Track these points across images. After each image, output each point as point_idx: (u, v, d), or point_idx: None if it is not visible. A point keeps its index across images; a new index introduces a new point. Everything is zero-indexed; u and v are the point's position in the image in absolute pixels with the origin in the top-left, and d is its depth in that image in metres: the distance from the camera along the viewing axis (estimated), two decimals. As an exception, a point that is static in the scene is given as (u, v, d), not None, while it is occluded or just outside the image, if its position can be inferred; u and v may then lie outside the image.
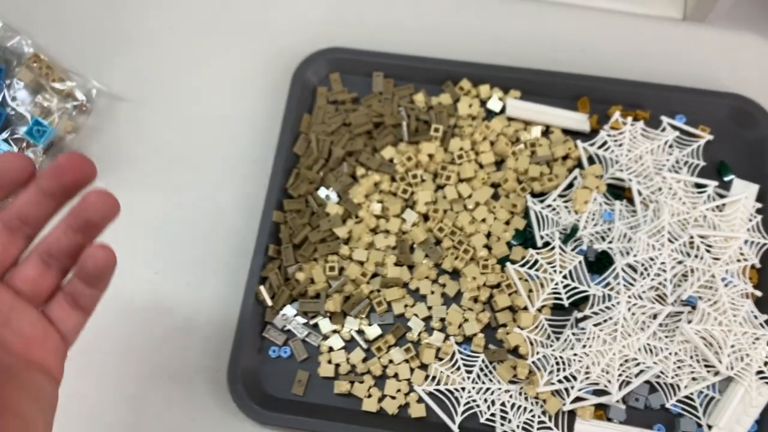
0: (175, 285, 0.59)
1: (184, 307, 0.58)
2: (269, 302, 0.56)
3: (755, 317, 0.54)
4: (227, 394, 0.54)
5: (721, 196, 0.58)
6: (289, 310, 0.56)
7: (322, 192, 0.59)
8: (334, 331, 0.55)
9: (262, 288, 0.55)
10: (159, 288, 0.58)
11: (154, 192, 0.62)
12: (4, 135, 0.59)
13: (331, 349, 0.55)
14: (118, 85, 0.65)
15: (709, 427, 0.52)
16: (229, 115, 0.64)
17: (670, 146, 0.59)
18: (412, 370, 0.54)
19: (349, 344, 0.55)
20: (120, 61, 0.66)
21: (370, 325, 0.55)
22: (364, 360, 0.54)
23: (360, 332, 0.55)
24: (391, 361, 0.54)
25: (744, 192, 0.57)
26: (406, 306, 0.56)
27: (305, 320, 0.56)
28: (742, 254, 0.55)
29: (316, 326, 0.56)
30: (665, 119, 0.60)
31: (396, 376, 0.54)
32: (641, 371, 0.53)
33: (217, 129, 0.64)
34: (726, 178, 0.59)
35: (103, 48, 0.66)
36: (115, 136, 0.64)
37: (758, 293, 0.55)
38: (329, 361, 0.54)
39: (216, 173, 0.62)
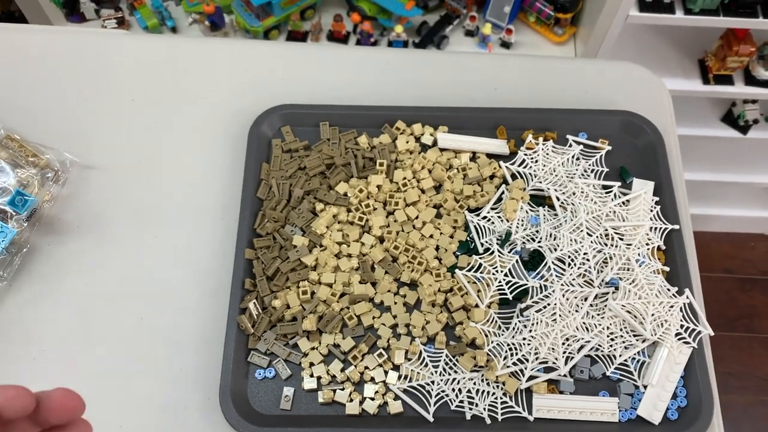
0: (162, 326, 0.64)
1: (172, 345, 0.63)
2: (251, 330, 0.62)
3: (667, 289, 0.64)
4: (221, 418, 0.58)
5: (625, 194, 0.69)
6: (270, 335, 0.62)
7: (287, 228, 0.66)
8: (313, 348, 0.62)
9: (243, 317, 0.61)
10: (146, 332, 0.63)
11: (133, 249, 0.67)
12: (-12, 208, 0.64)
13: (311, 364, 0.61)
14: (89, 156, 0.71)
15: (645, 386, 0.61)
16: (195, 171, 0.71)
17: (577, 158, 0.70)
18: (386, 372, 0.61)
19: (328, 357, 0.62)
20: (89, 133, 0.72)
21: (344, 338, 0.62)
22: (343, 369, 0.61)
23: (336, 345, 0.62)
24: (366, 367, 0.61)
25: (643, 188, 0.69)
26: (374, 317, 0.63)
27: (285, 341, 0.62)
28: (648, 239, 0.66)
29: (296, 346, 0.62)
30: (570, 137, 0.72)
31: (373, 379, 0.61)
32: (581, 346, 0.61)
33: (185, 185, 0.71)
34: (627, 180, 0.70)
35: (73, 123, 0.73)
36: (88, 201, 0.69)
37: (666, 269, 0.65)
38: (311, 375, 0.60)
39: (188, 224, 0.68)
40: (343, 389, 0.60)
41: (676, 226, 0.67)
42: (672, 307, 0.63)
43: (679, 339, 0.62)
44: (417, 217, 0.67)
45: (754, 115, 1.38)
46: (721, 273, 1.83)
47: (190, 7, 1.20)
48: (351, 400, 0.60)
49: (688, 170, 1.53)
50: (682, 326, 0.63)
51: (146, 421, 0.60)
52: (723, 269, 1.84)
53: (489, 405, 0.60)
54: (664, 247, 0.66)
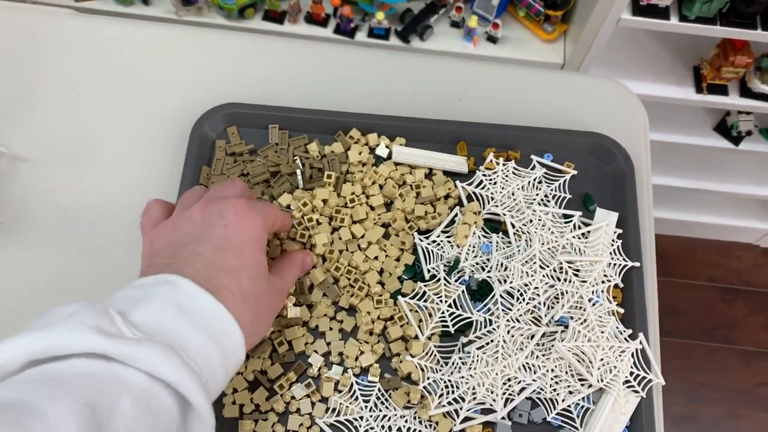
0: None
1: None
2: (173, 349, 0.58)
3: (621, 332, 0.60)
4: (134, 442, 0.55)
5: (586, 224, 0.64)
6: (193, 355, 0.58)
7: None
8: (238, 373, 0.58)
9: (165, 335, 0.58)
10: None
11: (61, 249, 0.63)
12: None
13: (235, 390, 0.57)
14: (19, 146, 0.66)
15: (586, 435, 0.57)
16: (131, 171, 0.67)
17: (539, 182, 0.66)
18: (313, 404, 0.57)
19: (253, 384, 0.58)
20: (20, 122, 0.68)
21: (272, 364, 0.58)
22: (268, 398, 0.57)
23: (263, 372, 0.58)
24: (293, 397, 0.57)
25: (605, 219, 0.64)
26: (306, 343, 0.59)
27: (209, 364, 0.58)
28: (606, 276, 0.62)
29: (219, 369, 0.58)
30: (534, 158, 0.67)
31: (298, 410, 0.57)
32: (522, 388, 0.58)
33: (119, 185, 0.66)
34: (590, 208, 0.66)
35: (3, 110, 0.68)
36: (16, 196, 0.65)
37: (621, 310, 0.61)
38: (233, 402, 0.57)
39: (119, 228, 0.64)
40: (266, 419, 0.57)
41: (637, 264, 0.63)
42: (623, 352, 0.59)
43: (627, 386, 0.59)
44: (363, 236, 0.63)
45: (748, 126, 1.33)
46: (705, 281, 1.80)
47: (162, -20, 1.14)
48: (273, 432, 0.56)
49: (676, 177, 1.49)
50: (631, 373, 0.59)
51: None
52: (707, 278, 1.80)
53: (419, 445, 0.56)
54: (621, 285, 0.62)
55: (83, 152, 0.68)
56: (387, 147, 0.67)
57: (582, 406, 0.58)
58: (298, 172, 0.65)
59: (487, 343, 0.58)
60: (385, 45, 1.16)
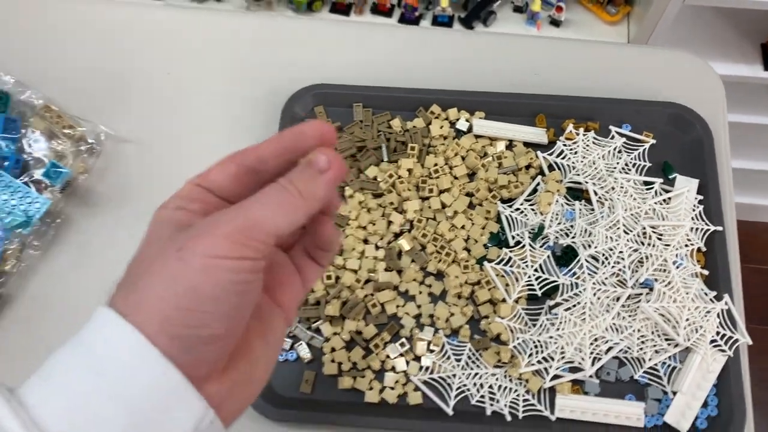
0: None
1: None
2: (274, 312, 0.61)
3: (705, 294, 0.61)
4: (241, 397, 0.59)
5: (667, 191, 0.66)
6: (293, 318, 0.61)
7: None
8: (335, 334, 0.61)
9: (267, 299, 0.61)
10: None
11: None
12: (24, 178, 0.65)
13: (333, 350, 0.61)
14: (123, 129, 0.71)
15: (674, 393, 0.59)
16: (226, 149, 0.71)
17: (619, 151, 0.67)
18: (407, 362, 0.60)
19: (350, 344, 0.61)
20: (124, 107, 0.73)
21: (366, 325, 0.61)
22: (364, 357, 0.60)
23: (358, 332, 0.61)
24: (388, 356, 0.60)
25: (686, 186, 0.65)
26: (397, 306, 0.62)
27: (308, 325, 0.62)
28: (689, 240, 0.63)
29: (318, 330, 0.62)
30: (613, 128, 0.69)
31: (393, 369, 0.60)
32: (610, 348, 0.60)
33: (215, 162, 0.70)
34: (670, 176, 0.67)
35: (108, 96, 0.73)
36: (121, 174, 0.70)
37: (705, 272, 0.62)
38: (332, 361, 0.60)
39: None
40: (363, 377, 0.60)
41: (719, 228, 0.64)
42: (709, 312, 0.60)
43: (714, 346, 0.60)
44: (450, 206, 0.65)
45: (817, 104, 1.31)
46: (773, 266, 1.76)
47: (234, -24, 1.18)
48: (371, 388, 0.59)
49: (740, 158, 1.46)
50: (717, 333, 0.60)
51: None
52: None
53: (510, 402, 0.59)
54: (704, 249, 0.64)
55: (180, 132, 0.72)
56: (467, 121, 0.69)
57: (669, 365, 0.60)
58: (383, 145, 0.68)
59: (575, 305, 0.60)
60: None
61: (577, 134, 0.68)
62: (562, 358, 0.59)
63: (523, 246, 0.63)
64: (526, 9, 1.17)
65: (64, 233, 0.67)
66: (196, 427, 0.30)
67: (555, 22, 1.16)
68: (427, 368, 0.60)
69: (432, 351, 0.61)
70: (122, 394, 0.29)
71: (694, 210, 0.64)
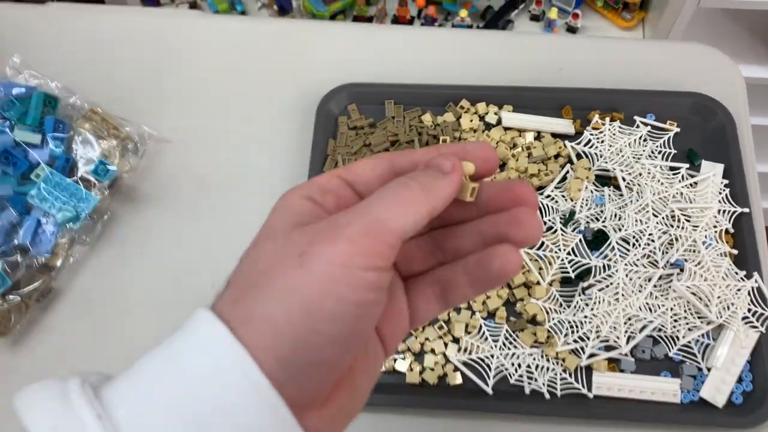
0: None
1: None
2: (315, 298, 0.64)
3: (735, 273, 0.63)
4: (286, 381, 0.61)
5: (693, 176, 0.67)
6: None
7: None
8: (375, 318, 0.63)
9: (308, 286, 0.63)
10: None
11: (203, 220, 0.70)
12: (74, 177, 0.68)
13: (373, 334, 0.63)
14: (164, 130, 0.74)
15: (708, 369, 0.60)
16: (265, 147, 0.74)
17: (645, 140, 0.70)
18: (446, 344, 0.62)
19: (389, 328, 0.63)
20: (165, 110, 0.76)
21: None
22: (403, 340, 0.62)
23: (397, 317, 0.63)
24: (427, 339, 0.62)
25: (712, 170, 0.67)
26: (434, 291, 0.64)
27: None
28: (716, 221, 0.65)
29: (358, 315, 0.64)
30: (638, 118, 0.71)
31: (432, 350, 0.62)
32: (644, 326, 0.61)
33: (255, 159, 0.73)
34: (695, 163, 0.69)
35: (149, 100, 0.76)
36: (164, 173, 0.73)
37: (734, 251, 0.64)
38: (373, 344, 0.62)
39: (256, 197, 0.71)
40: (403, 359, 0.62)
41: (746, 209, 0.65)
42: (739, 290, 0.62)
43: (746, 323, 0.61)
44: (480, 195, 0.67)
45: (834, 104, 1.32)
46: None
47: (259, -8, 1.23)
48: (411, 370, 0.61)
49: (763, 163, 1.47)
50: (749, 310, 0.61)
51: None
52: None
53: (548, 380, 0.60)
54: (732, 231, 0.65)
55: (220, 132, 0.75)
56: (496, 114, 0.72)
57: (702, 342, 0.61)
58: (416, 139, 0.71)
59: (608, 286, 0.62)
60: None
61: (603, 124, 0.70)
62: (598, 336, 0.60)
63: (555, 231, 0.65)
64: (543, 17, 1.20)
65: (111, 229, 0.70)
66: None
67: (571, 29, 1.19)
68: (466, 349, 0.62)
69: (469, 333, 0.62)
70: (222, 424, 0.26)
71: (720, 193, 0.66)
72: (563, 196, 0.67)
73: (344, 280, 0.27)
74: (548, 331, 0.61)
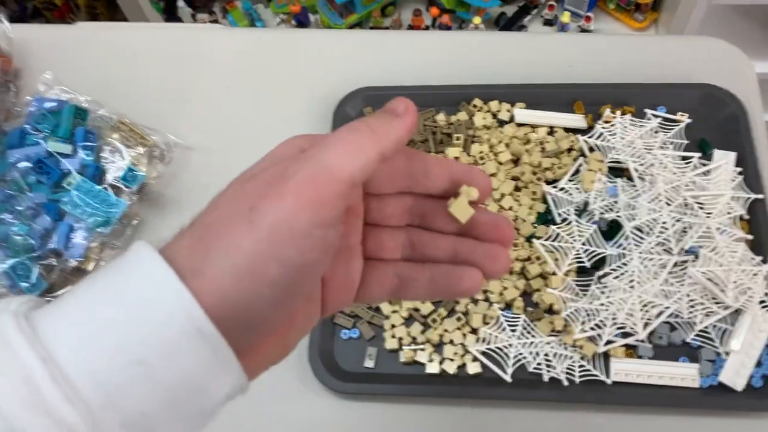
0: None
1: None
2: (336, 294, 0.65)
3: (751, 258, 0.63)
4: (311, 374, 0.62)
5: (705, 165, 0.68)
6: (354, 298, 0.65)
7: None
8: (394, 311, 0.65)
9: (329, 282, 0.65)
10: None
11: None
12: (104, 184, 0.71)
13: (393, 326, 0.64)
14: (189, 138, 0.77)
15: (727, 354, 0.60)
16: (284, 151, 0.76)
17: (656, 131, 0.71)
18: (464, 335, 0.63)
19: (408, 320, 0.65)
20: (189, 118, 0.79)
21: (423, 302, 0.65)
22: (423, 332, 0.64)
23: (416, 309, 0.65)
24: (446, 330, 0.63)
25: (724, 159, 0.68)
26: (452, 284, 0.65)
27: (369, 305, 0.65)
28: (730, 208, 0.65)
29: (378, 309, 0.65)
30: (648, 111, 0.72)
31: (451, 341, 0.63)
32: (660, 312, 0.62)
33: (275, 163, 0.76)
34: (707, 152, 0.70)
35: (174, 110, 0.79)
36: (188, 179, 0.76)
37: (749, 237, 0.64)
38: (393, 336, 0.64)
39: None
40: (423, 350, 0.63)
41: (761, 196, 0.66)
42: (756, 274, 0.62)
43: (763, 307, 0.61)
44: (497, 189, 0.69)
45: None
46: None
47: (278, 9, 1.27)
48: (431, 360, 0.62)
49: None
50: (766, 294, 0.62)
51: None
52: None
53: (566, 368, 0.61)
54: (747, 217, 0.66)
55: (241, 139, 0.77)
56: (508, 111, 0.73)
57: (720, 328, 0.62)
58: (430, 138, 0.72)
59: (623, 273, 0.63)
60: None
61: (615, 117, 0.71)
62: (614, 323, 0.61)
63: (570, 222, 0.66)
64: (556, 21, 1.22)
65: (140, 233, 0.72)
66: (229, 397, 0.29)
67: (584, 32, 1.21)
68: (484, 339, 0.63)
69: (487, 323, 0.64)
70: (167, 367, 0.27)
71: (733, 180, 0.67)
72: (577, 189, 0.68)
73: (289, 240, 0.27)
74: (565, 319, 0.62)
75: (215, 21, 1.28)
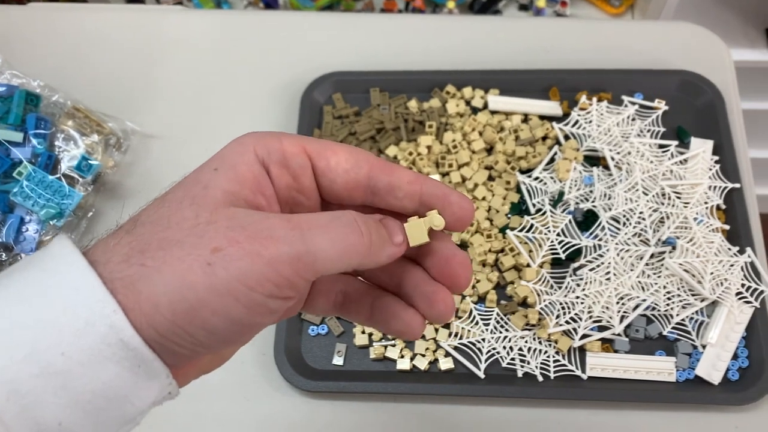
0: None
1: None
2: (304, 288, 0.63)
3: (728, 248, 0.62)
4: (276, 372, 0.60)
5: (682, 153, 0.67)
6: (322, 293, 0.63)
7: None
8: (364, 306, 0.62)
9: (296, 276, 0.63)
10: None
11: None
12: (58, 174, 0.67)
13: (363, 322, 0.62)
14: (148, 126, 0.74)
15: (703, 347, 0.59)
16: (249, 139, 0.73)
17: (633, 119, 0.69)
18: (436, 329, 0.61)
19: (379, 315, 0.62)
20: (149, 105, 0.75)
21: (394, 296, 0.62)
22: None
23: (387, 304, 0.62)
24: (417, 325, 0.61)
25: (701, 147, 0.67)
26: (424, 277, 0.63)
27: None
28: (707, 198, 0.64)
29: (347, 303, 0.63)
30: (625, 97, 0.70)
31: (423, 336, 0.61)
32: (637, 305, 0.60)
33: (240, 151, 0.72)
34: (685, 140, 0.68)
35: (133, 96, 0.76)
36: (148, 168, 0.72)
37: (726, 227, 0.63)
38: (363, 332, 0.61)
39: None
40: (394, 346, 0.61)
41: (737, 185, 0.64)
42: (732, 266, 0.61)
43: (739, 298, 0.60)
44: (470, 178, 0.67)
45: (826, 86, 1.31)
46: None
47: (245, -9, 1.22)
48: (402, 356, 0.60)
49: (754, 147, 1.47)
50: (743, 285, 0.61)
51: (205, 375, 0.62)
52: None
53: (541, 363, 0.59)
54: (724, 206, 0.64)
55: (204, 126, 0.74)
56: (482, 98, 0.71)
57: (696, 320, 0.60)
58: (402, 126, 0.70)
59: (599, 265, 0.61)
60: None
61: (591, 104, 0.69)
62: (590, 317, 0.59)
63: (545, 213, 0.64)
64: (532, 6, 1.19)
65: (95, 225, 0.69)
66: (156, 404, 0.27)
67: (560, 17, 1.19)
68: (457, 334, 0.61)
69: (460, 317, 0.62)
70: (87, 380, 0.24)
71: (710, 169, 0.65)
72: (552, 178, 0.66)
73: (244, 301, 0.26)
74: (540, 313, 0.60)
75: (179, 2, 1.24)
